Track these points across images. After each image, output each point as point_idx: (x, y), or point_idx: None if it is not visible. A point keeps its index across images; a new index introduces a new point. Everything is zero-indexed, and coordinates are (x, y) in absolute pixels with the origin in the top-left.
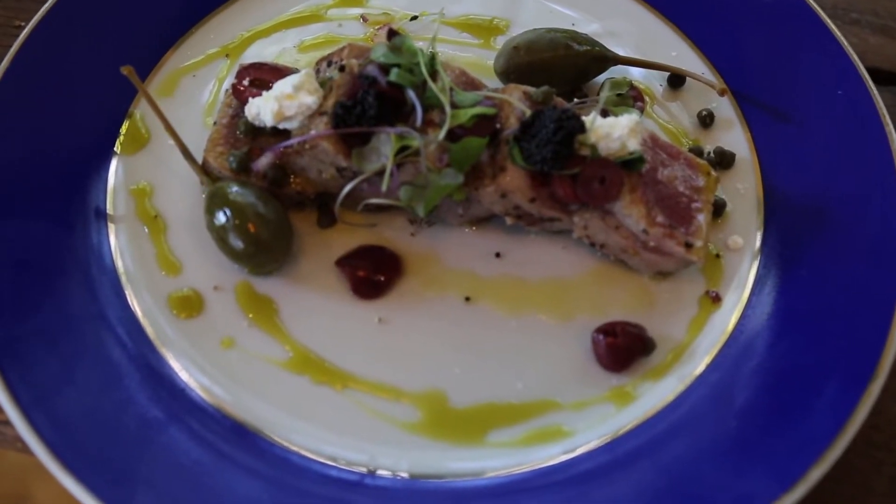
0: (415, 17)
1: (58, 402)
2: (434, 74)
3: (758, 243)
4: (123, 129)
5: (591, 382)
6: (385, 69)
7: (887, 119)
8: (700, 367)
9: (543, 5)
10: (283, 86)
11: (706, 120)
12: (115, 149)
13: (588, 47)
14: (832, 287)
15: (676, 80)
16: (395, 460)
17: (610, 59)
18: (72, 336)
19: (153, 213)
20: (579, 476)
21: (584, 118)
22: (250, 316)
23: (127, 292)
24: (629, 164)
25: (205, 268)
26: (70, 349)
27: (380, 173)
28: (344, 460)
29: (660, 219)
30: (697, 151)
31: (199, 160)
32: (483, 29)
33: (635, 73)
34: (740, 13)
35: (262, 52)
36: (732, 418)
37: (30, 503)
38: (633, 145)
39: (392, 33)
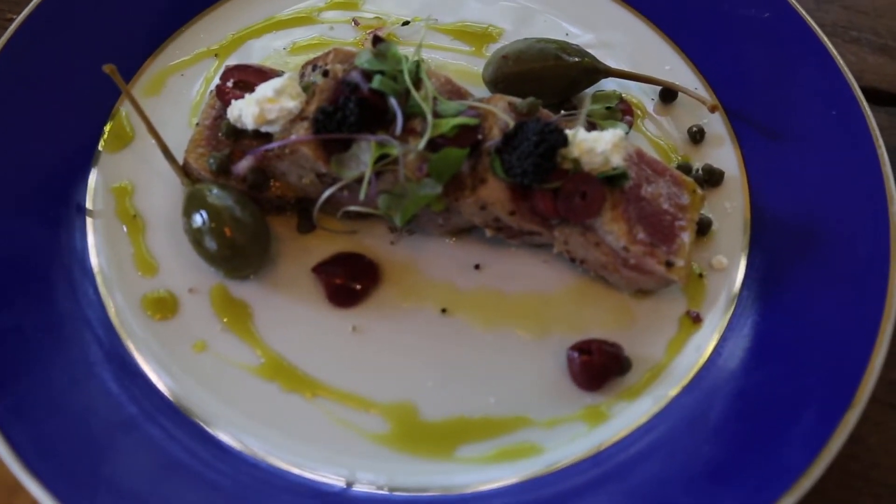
0: (406, 23)
1: (26, 399)
2: (418, 82)
3: (742, 264)
4: (108, 127)
5: (565, 400)
6: (368, 76)
7: (880, 142)
8: (676, 389)
9: (538, 15)
10: (265, 89)
11: (696, 136)
12: (98, 146)
13: (578, 58)
14: (814, 313)
15: (668, 94)
16: (362, 471)
17: (601, 72)
18: (47, 333)
19: (132, 213)
20: (549, 496)
21: (567, 132)
22: (224, 320)
23: (101, 291)
24: (612, 180)
25: (181, 270)
26: (43, 345)
27: (359, 181)
28: (310, 469)
29: (641, 236)
30: (686, 168)
31: (181, 161)
32: (475, 37)
33: (628, 86)
34: (737, 29)
35: (252, 52)
36: (706, 443)
37: None
38: (617, 161)
39: (377, 39)
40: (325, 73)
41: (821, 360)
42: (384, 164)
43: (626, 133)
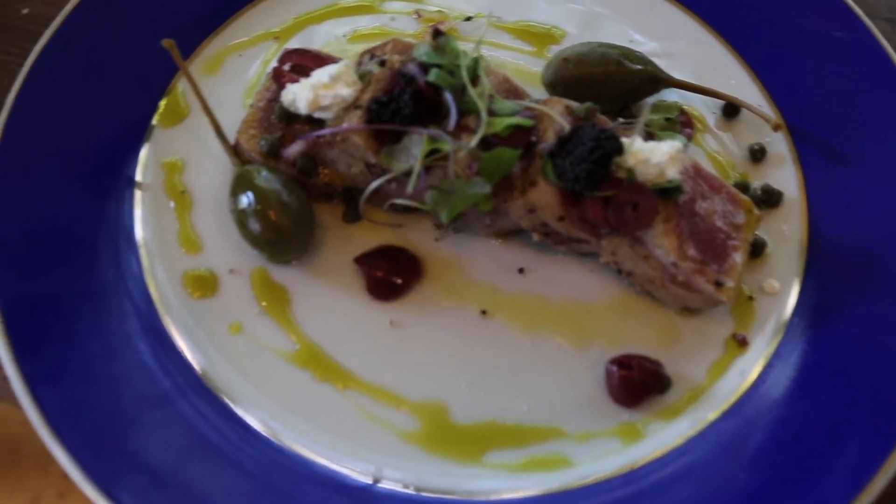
0: (469, 18)
1: (61, 365)
2: (475, 79)
3: (795, 290)
4: (164, 102)
5: (600, 414)
6: (425, 68)
7: None
8: (715, 413)
9: (604, 19)
10: (321, 75)
11: (757, 154)
12: (153, 121)
13: (641, 66)
14: (866, 346)
15: (731, 109)
16: (389, 468)
17: (663, 81)
18: (87, 301)
19: (181, 189)
20: None
21: (623, 140)
22: (262, 303)
23: (144, 264)
24: (666, 193)
25: (224, 249)
26: (82, 314)
27: (408, 174)
28: (336, 461)
29: (692, 252)
30: (743, 186)
31: (233, 140)
32: (538, 37)
33: (690, 98)
34: (807, 46)
35: (313, 38)
36: (742, 471)
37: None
38: (672, 173)
39: (437, 33)
40: (382, 63)
41: (869, 396)
42: (434, 158)
43: (685, 146)
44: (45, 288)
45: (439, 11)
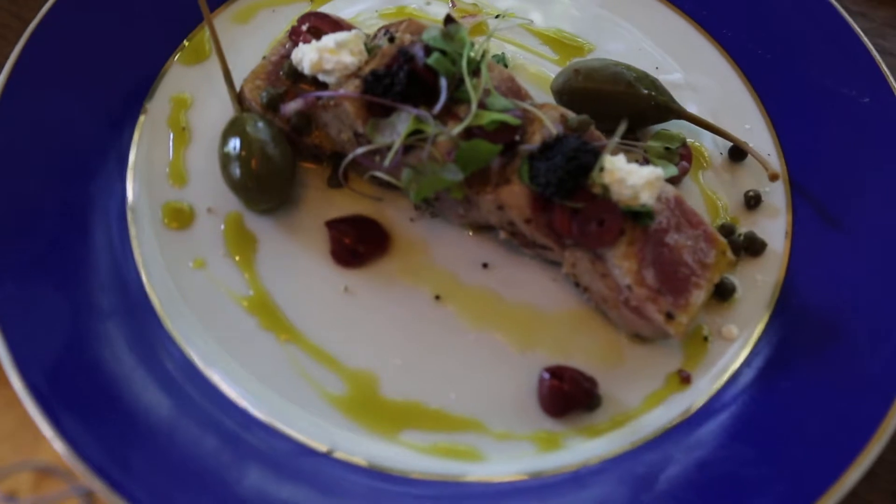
0: (499, 16)
1: (19, 261)
2: (476, 71)
3: (752, 341)
4: (188, 41)
5: (524, 418)
6: (429, 51)
7: None
8: (637, 442)
9: (635, 40)
10: (329, 40)
11: (752, 201)
12: (174, 56)
13: (653, 93)
14: (806, 413)
15: (738, 152)
16: (305, 424)
17: (673, 112)
18: (67, 210)
19: (182, 125)
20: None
21: (607, 157)
22: (230, 246)
23: (128, 186)
24: (637, 216)
25: (207, 188)
26: (55, 218)
27: (389, 148)
28: (254, 405)
29: (649, 280)
30: (729, 229)
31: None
32: (564, 46)
33: (702, 134)
34: (829, 106)
35: (345, 6)
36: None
37: None
38: (646, 198)
39: (448, 20)
40: (391, 39)
41: (794, 459)
42: (416, 138)
43: (680, 179)
44: (36, 191)
45: (474, 4)
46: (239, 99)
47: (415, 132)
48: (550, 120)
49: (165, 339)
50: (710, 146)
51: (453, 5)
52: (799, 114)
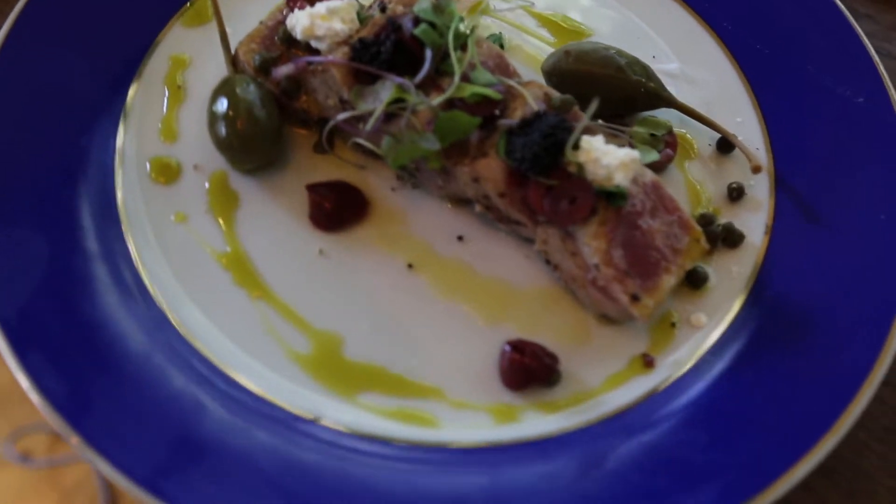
0: None
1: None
2: (464, 46)
3: (720, 331)
4: (191, 3)
5: (484, 389)
6: (418, 23)
7: None
8: (592, 419)
9: (634, 28)
10: (321, 6)
11: (734, 193)
12: (175, 17)
13: (643, 79)
14: (764, 404)
15: (725, 144)
16: (265, 380)
17: (663, 99)
18: (57, 157)
19: (178, 83)
20: (423, 467)
21: (586, 137)
22: (212, 203)
23: (118, 139)
24: (610, 197)
25: (196, 146)
26: (50, 167)
27: (371, 115)
28: (219, 358)
29: (618, 261)
30: (708, 219)
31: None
32: (562, 30)
33: (692, 124)
34: (823, 104)
35: None
36: (592, 482)
37: None
38: (620, 179)
39: None
40: (383, 9)
41: (745, 450)
42: (397, 107)
43: (658, 161)
44: (32, 139)
45: None
46: (233, 61)
47: (397, 101)
48: (533, 97)
49: (139, 286)
50: (700, 137)
51: None
52: (791, 110)
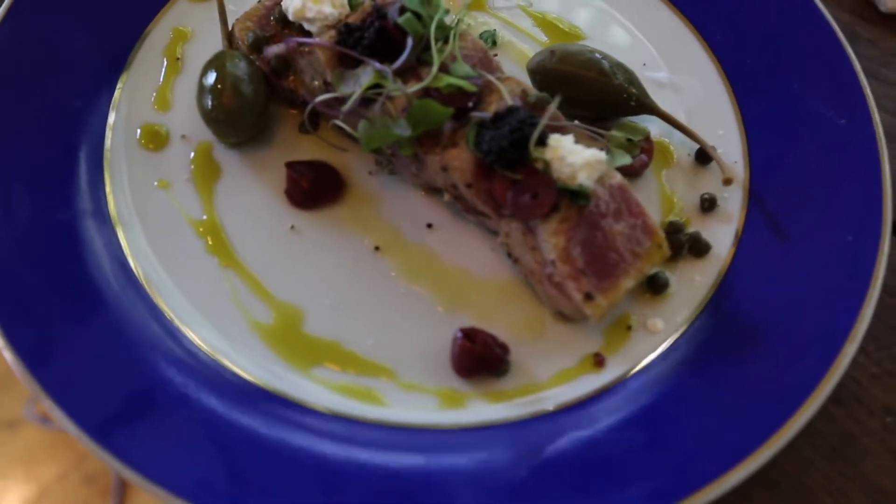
0: None
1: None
2: (446, 38)
3: (674, 337)
4: None
5: (433, 373)
6: (404, 12)
7: (877, 283)
8: (535, 412)
9: (628, 35)
10: None
11: (706, 204)
12: None
13: (625, 84)
14: (706, 411)
15: (704, 155)
16: (224, 346)
17: (645, 106)
18: (51, 112)
19: (177, 55)
20: (362, 441)
21: (554, 135)
22: (195, 172)
23: (114, 100)
24: (574, 196)
25: (187, 117)
26: (43, 123)
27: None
28: (183, 322)
29: (575, 259)
30: (676, 227)
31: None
32: (556, 31)
33: (674, 133)
34: (805, 123)
35: None
36: (525, 472)
37: None
38: (583, 179)
39: None
40: None
41: (680, 454)
42: (375, 92)
43: (630, 165)
44: (33, 99)
45: None
46: (229, 37)
47: (376, 86)
48: (510, 93)
49: (116, 246)
50: (681, 146)
51: None
52: (773, 126)
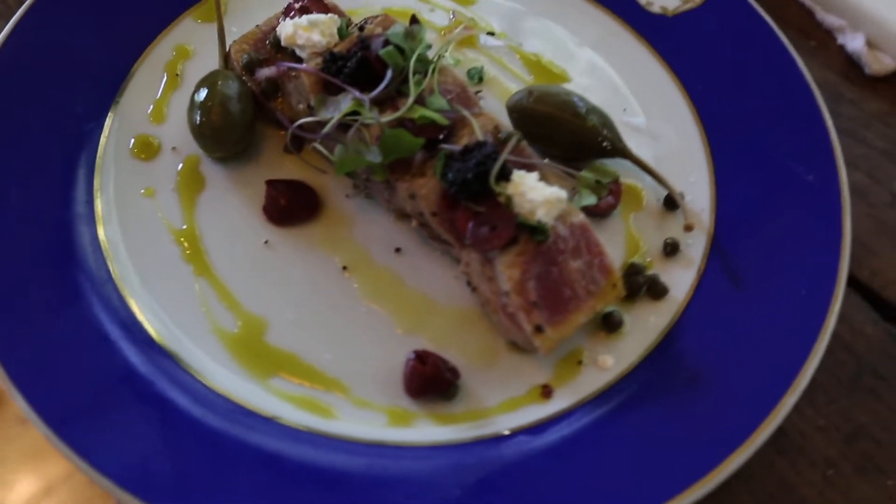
0: (492, 34)
1: None
2: (426, 73)
3: (621, 375)
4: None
5: (386, 391)
6: (387, 45)
7: (826, 335)
8: (477, 436)
9: (611, 81)
10: (305, 18)
11: (669, 248)
12: (189, 11)
13: (599, 127)
14: (635, 454)
15: (672, 201)
16: (185, 350)
17: (617, 150)
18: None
19: (177, 71)
20: (310, 455)
21: (519, 171)
22: (180, 183)
23: (112, 109)
24: (533, 231)
25: (179, 131)
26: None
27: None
28: (150, 323)
29: (529, 292)
30: (637, 268)
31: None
32: (543, 72)
33: (646, 177)
34: (774, 176)
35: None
36: (459, 489)
37: None
38: (542, 215)
39: (414, 20)
40: (361, 29)
41: (608, 490)
42: (352, 119)
43: (596, 205)
44: (37, 101)
45: (472, 19)
46: (226, 57)
47: (353, 113)
48: (481, 128)
49: (96, 247)
50: (651, 191)
51: (453, 16)
52: (743, 177)
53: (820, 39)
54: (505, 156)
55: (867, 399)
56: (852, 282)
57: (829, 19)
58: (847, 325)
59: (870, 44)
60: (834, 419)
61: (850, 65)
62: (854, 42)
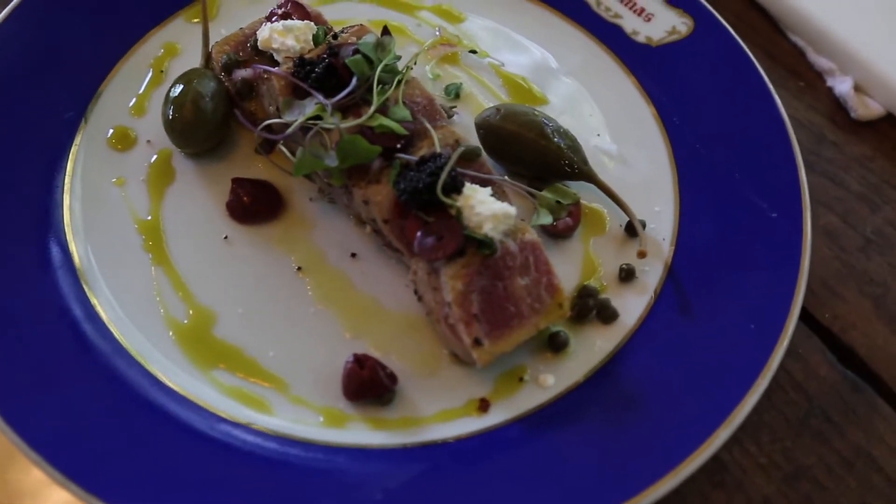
0: (474, 52)
1: None
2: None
3: (559, 395)
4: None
5: (323, 392)
6: (356, 53)
7: (769, 371)
8: (408, 443)
9: (587, 106)
10: (281, 24)
11: (624, 274)
12: (180, 12)
13: (564, 149)
14: (563, 478)
15: (633, 228)
16: (137, 341)
17: (583, 174)
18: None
19: (162, 68)
20: (242, 447)
21: (472, 185)
22: (150, 174)
23: (94, 99)
24: (480, 245)
25: (157, 124)
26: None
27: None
28: (101, 307)
29: (471, 304)
30: (589, 291)
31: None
32: (521, 93)
33: (611, 203)
34: (738, 211)
35: (343, 10)
36: (381, 493)
37: None
38: (488, 230)
39: (385, 31)
40: (335, 37)
41: None
42: (314, 122)
43: (553, 225)
44: (25, 87)
45: (457, 36)
46: (207, 57)
47: (316, 117)
48: (441, 141)
49: (61, 231)
50: (615, 216)
51: (439, 33)
52: (706, 210)
53: (809, 80)
54: (450, 166)
55: (814, 441)
56: (812, 323)
57: (820, 61)
58: (802, 365)
59: (857, 88)
60: (776, 458)
61: (837, 107)
62: (842, 85)
